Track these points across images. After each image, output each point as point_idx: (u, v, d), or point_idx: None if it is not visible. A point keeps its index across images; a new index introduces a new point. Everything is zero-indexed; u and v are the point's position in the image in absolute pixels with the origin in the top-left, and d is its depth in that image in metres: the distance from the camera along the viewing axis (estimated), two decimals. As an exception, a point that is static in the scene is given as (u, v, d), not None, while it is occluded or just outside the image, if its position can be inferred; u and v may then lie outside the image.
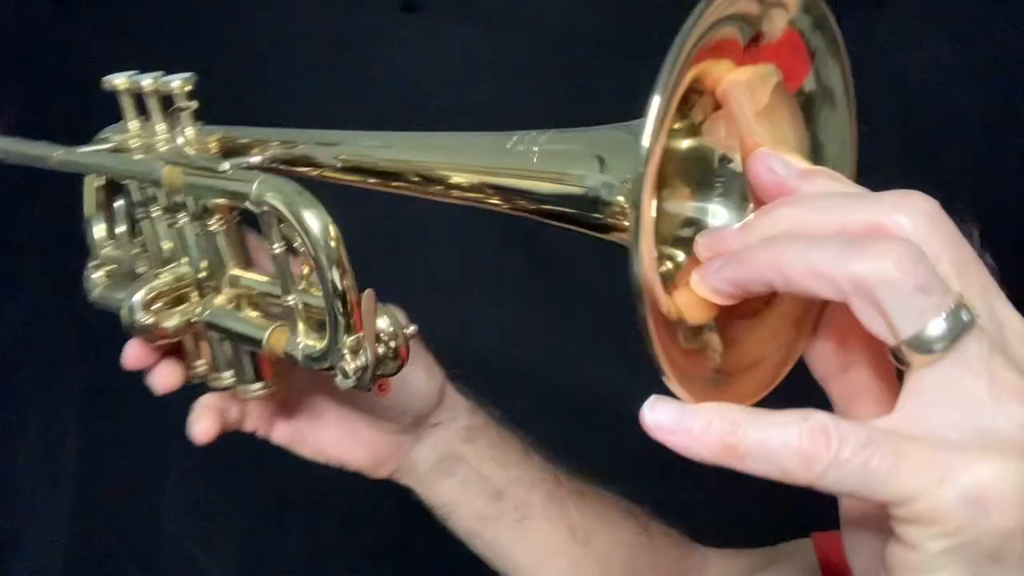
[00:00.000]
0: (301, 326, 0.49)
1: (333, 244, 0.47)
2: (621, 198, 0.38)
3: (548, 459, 0.64)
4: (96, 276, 0.62)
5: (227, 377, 0.57)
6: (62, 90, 1.04)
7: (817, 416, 0.31)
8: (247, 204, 0.48)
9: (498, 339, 1.00)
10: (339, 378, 0.46)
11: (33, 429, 1.06)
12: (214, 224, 0.53)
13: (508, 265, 1.02)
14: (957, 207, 0.34)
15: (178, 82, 0.54)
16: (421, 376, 0.58)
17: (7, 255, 1.05)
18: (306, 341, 0.49)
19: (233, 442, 1.10)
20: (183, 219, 0.54)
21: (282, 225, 0.48)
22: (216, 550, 1.04)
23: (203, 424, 0.61)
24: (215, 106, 1.14)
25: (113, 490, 1.05)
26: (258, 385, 0.56)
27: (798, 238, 0.33)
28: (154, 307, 0.54)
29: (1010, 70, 0.95)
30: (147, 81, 0.55)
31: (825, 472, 0.31)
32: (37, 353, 1.06)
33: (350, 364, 0.46)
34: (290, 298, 0.49)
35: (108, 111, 1.14)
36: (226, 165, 0.50)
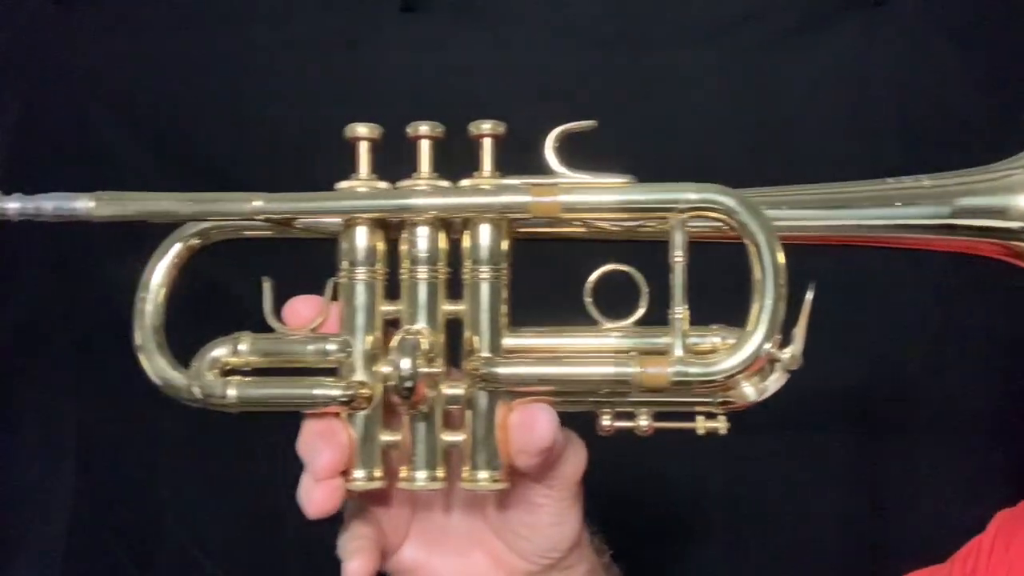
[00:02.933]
0: (679, 342, 0.50)
1: (777, 240, 0.49)
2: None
3: None
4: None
5: (423, 475, 0.51)
6: (62, 90, 1.04)
7: None
8: (683, 205, 0.49)
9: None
10: (751, 384, 0.50)
11: (33, 429, 1.06)
12: (488, 273, 0.51)
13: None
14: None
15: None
16: (578, 514, 0.55)
17: (7, 254, 1.05)
18: (693, 358, 0.50)
19: (233, 442, 1.10)
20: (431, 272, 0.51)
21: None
22: (216, 550, 1.04)
23: (361, 561, 0.54)
24: (214, 106, 1.14)
25: (113, 490, 1.05)
26: (489, 474, 0.51)
27: None
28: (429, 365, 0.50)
29: (1010, 70, 0.94)
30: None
31: None
32: (37, 353, 1.06)
33: (781, 354, 0.49)
34: (678, 310, 0.50)
35: (107, 110, 1.14)
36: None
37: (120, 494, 1.05)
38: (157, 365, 0.53)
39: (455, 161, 0.94)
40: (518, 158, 0.97)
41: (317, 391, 0.51)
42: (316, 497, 0.51)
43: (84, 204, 0.53)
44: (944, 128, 0.95)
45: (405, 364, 0.48)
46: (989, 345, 0.95)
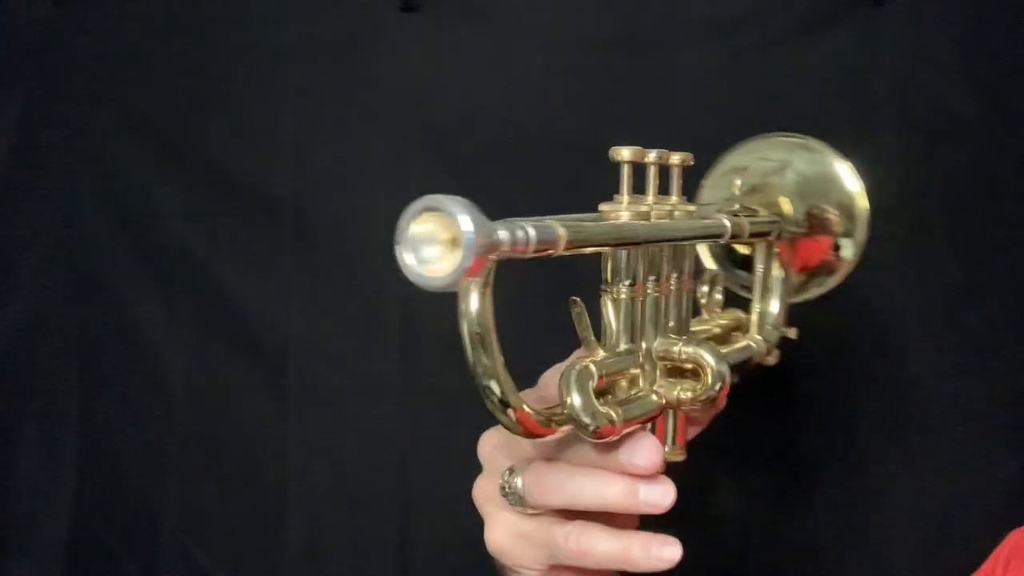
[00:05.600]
0: (756, 328, 0.71)
1: None
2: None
3: None
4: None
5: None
6: (62, 90, 1.04)
7: None
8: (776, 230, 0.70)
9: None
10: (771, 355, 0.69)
11: (33, 429, 1.06)
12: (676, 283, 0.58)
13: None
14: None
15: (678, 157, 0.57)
16: None
17: (7, 255, 1.05)
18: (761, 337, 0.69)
19: (233, 442, 1.10)
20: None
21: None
22: (216, 550, 1.04)
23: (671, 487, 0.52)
24: (214, 106, 1.14)
25: (113, 490, 1.05)
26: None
27: None
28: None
29: (1010, 70, 0.94)
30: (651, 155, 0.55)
31: None
32: (37, 354, 1.06)
33: (790, 332, 0.71)
34: (758, 305, 0.71)
35: (108, 111, 1.14)
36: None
37: (120, 494, 1.05)
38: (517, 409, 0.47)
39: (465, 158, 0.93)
40: (520, 158, 0.97)
41: (670, 398, 0.54)
42: (671, 489, 0.51)
43: (559, 232, 0.45)
44: (944, 128, 0.95)
45: (723, 368, 0.52)
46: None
